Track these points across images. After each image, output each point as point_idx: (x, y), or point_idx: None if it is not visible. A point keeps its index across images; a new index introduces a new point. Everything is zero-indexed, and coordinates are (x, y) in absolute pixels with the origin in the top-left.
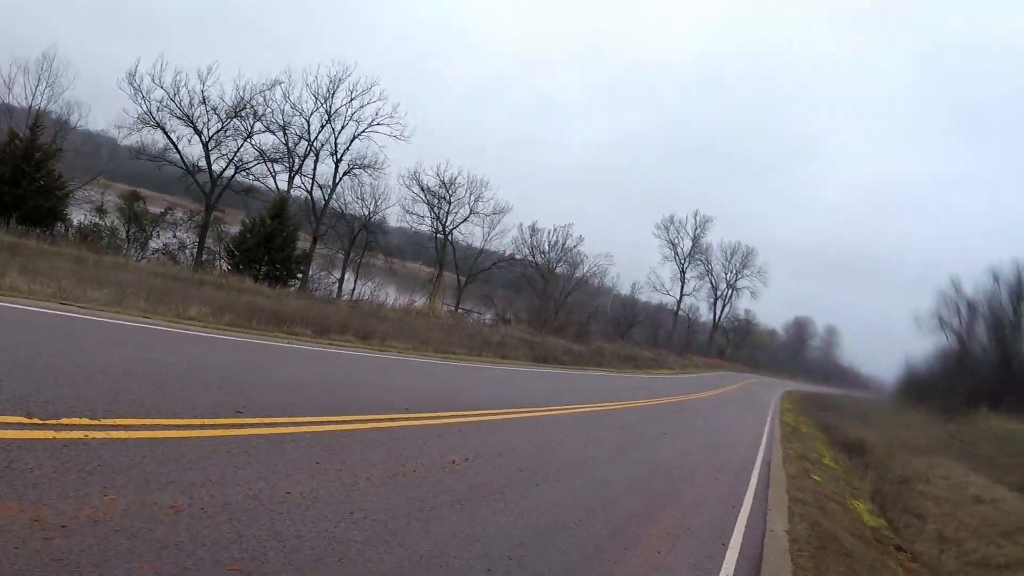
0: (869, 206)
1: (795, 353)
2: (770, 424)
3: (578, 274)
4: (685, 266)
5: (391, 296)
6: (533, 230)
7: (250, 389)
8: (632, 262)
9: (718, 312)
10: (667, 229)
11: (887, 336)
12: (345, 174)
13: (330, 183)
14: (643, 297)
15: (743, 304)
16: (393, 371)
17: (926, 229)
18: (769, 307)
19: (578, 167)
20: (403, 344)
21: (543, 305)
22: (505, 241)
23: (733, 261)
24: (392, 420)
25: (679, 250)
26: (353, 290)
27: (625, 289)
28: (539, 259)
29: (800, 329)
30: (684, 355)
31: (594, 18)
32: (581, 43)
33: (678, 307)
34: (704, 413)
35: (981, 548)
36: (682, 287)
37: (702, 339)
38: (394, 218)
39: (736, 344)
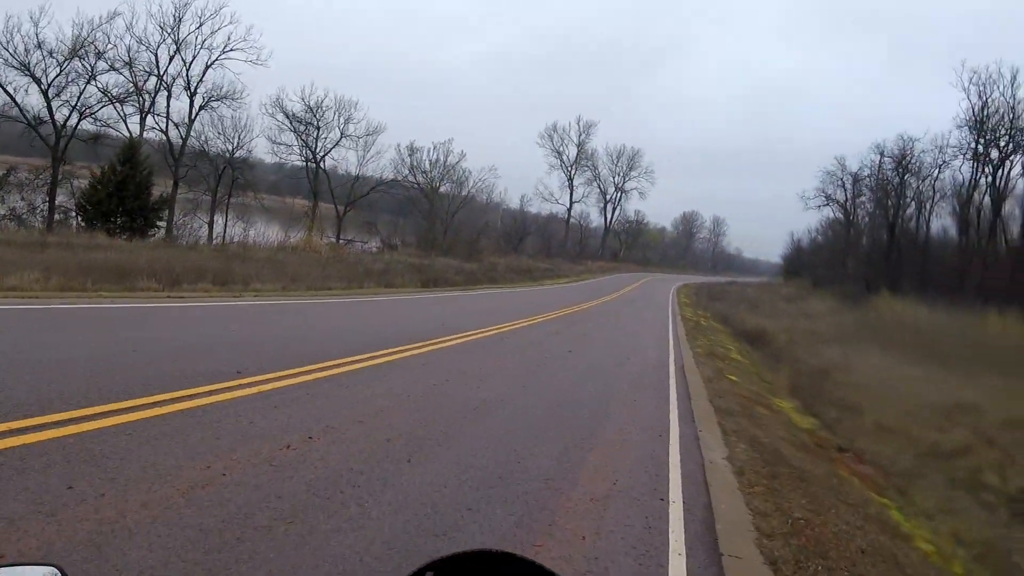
0: (754, 100)
1: (685, 248)
2: (672, 322)
3: (464, 192)
4: (572, 173)
5: (266, 235)
6: (412, 150)
7: None
8: (520, 175)
9: (609, 216)
10: (551, 138)
11: (776, 222)
12: (202, 108)
13: (187, 120)
14: (533, 209)
15: (632, 205)
16: (241, 320)
17: (812, 119)
18: (659, 205)
19: (458, 83)
20: (270, 286)
21: (430, 227)
22: (382, 164)
23: (619, 164)
24: (212, 394)
25: (565, 158)
26: (224, 233)
27: (514, 203)
28: (421, 179)
29: (688, 223)
30: (579, 261)
31: None
32: None
33: (568, 215)
34: (607, 320)
35: (927, 434)
36: (571, 194)
37: (595, 244)
38: (263, 151)
39: (629, 245)
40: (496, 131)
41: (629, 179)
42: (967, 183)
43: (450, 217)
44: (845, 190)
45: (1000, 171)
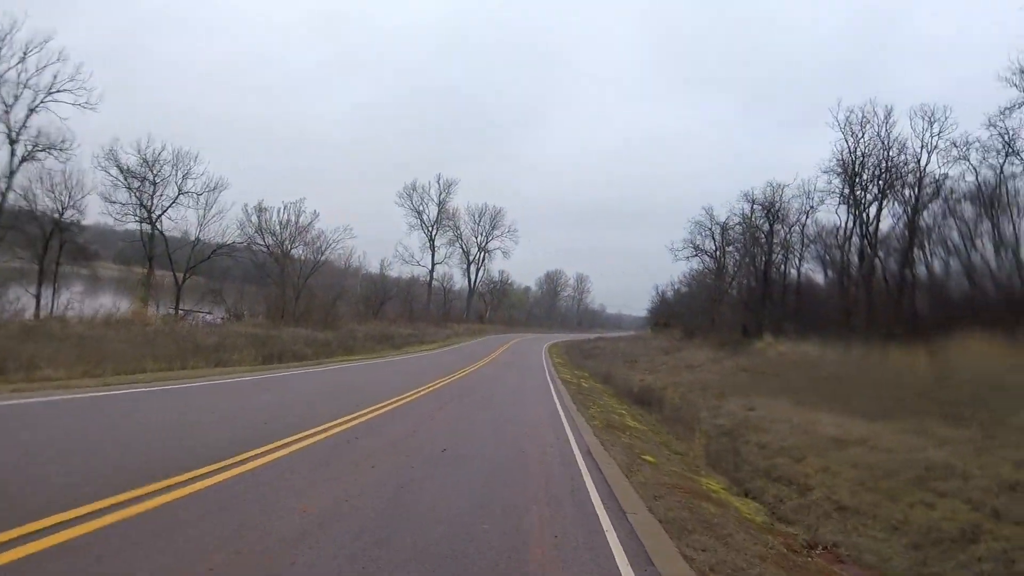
0: (618, 159)
1: (550, 306)
2: (554, 387)
3: (318, 256)
4: (434, 234)
5: (98, 307)
6: (260, 209)
7: None
8: (379, 238)
9: (473, 277)
10: (410, 197)
11: (640, 277)
12: (24, 160)
13: (7, 173)
14: (394, 272)
15: (497, 265)
16: None
17: (678, 173)
18: (523, 264)
19: (316, 142)
20: (64, 372)
21: (280, 294)
22: (226, 225)
23: (482, 223)
24: None
25: (425, 217)
26: (51, 306)
27: (375, 267)
28: (270, 242)
29: (552, 282)
30: (444, 325)
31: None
32: (320, 15)
33: (431, 277)
34: (484, 393)
35: (908, 512)
36: (432, 256)
37: (460, 306)
38: (95, 210)
39: (494, 307)
40: (355, 193)
41: (492, 238)
42: (843, 226)
43: (302, 282)
44: (714, 239)
45: (871, 211)
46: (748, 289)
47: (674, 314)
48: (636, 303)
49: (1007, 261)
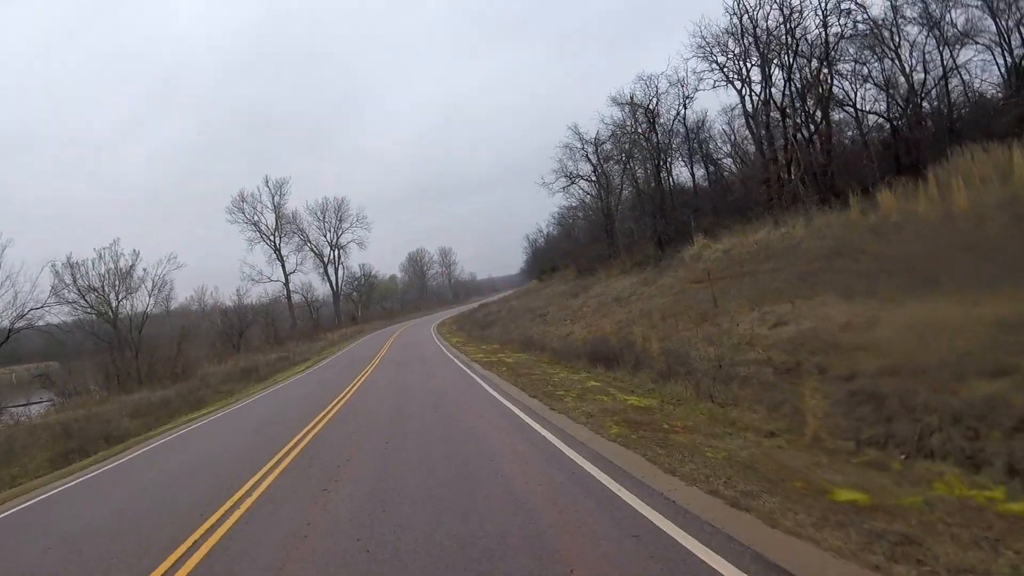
0: (445, 126)
1: (421, 288)
2: (482, 377)
3: (161, 300)
4: (277, 243)
5: None
6: (70, 264)
7: None
8: (230, 268)
9: (333, 278)
10: (242, 210)
11: (504, 235)
12: None
13: None
14: (252, 299)
15: (355, 260)
16: None
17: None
18: (382, 255)
19: (128, 187)
20: None
21: (113, 357)
22: (36, 294)
23: (327, 219)
24: None
25: (263, 227)
26: None
27: (230, 299)
28: (92, 299)
29: (416, 263)
30: (315, 337)
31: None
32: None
33: (287, 289)
34: (386, 421)
35: None
36: (283, 266)
37: (329, 313)
38: None
39: (364, 304)
40: (192, 234)
41: (343, 232)
42: (749, 100)
43: (137, 335)
44: (589, 159)
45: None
46: (649, 198)
47: (563, 254)
48: (505, 262)
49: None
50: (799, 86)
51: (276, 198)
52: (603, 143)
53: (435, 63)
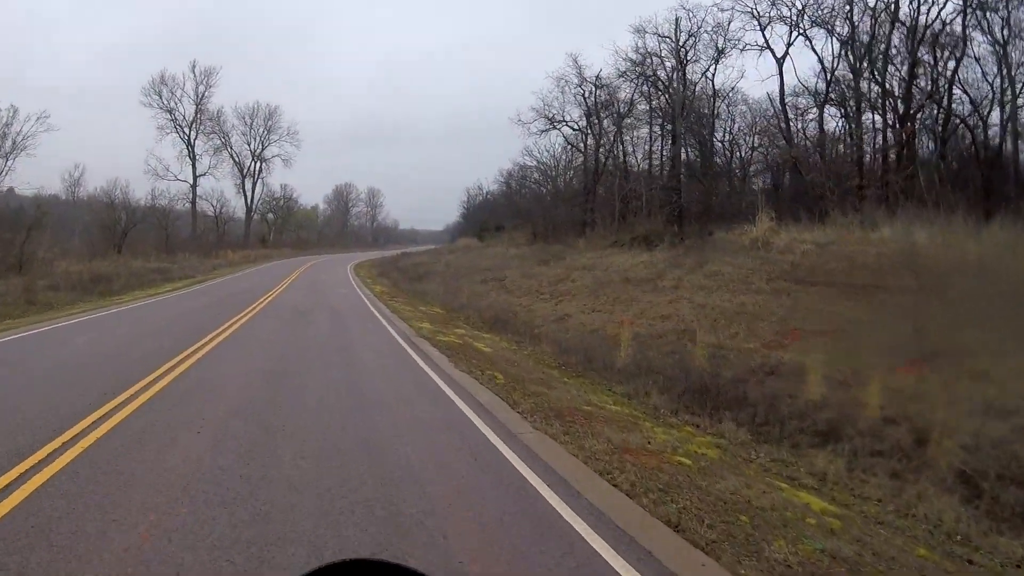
0: (387, 76)
1: (343, 225)
2: (457, 380)
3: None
4: (192, 138)
5: None
6: None
7: None
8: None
9: (249, 193)
10: (159, 94)
11: (435, 190)
12: None
13: None
14: (149, 195)
15: (277, 179)
16: None
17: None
18: (308, 186)
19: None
20: None
21: None
22: None
23: (254, 126)
24: None
25: (179, 116)
26: None
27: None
28: None
29: (342, 197)
30: (214, 254)
31: None
32: None
33: (194, 193)
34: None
35: None
36: (194, 165)
37: (237, 230)
38: None
39: (279, 228)
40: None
41: (269, 144)
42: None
43: None
44: (586, 102)
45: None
46: (680, 160)
47: (514, 214)
48: (431, 217)
49: None
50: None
51: (201, 88)
52: (604, 85)
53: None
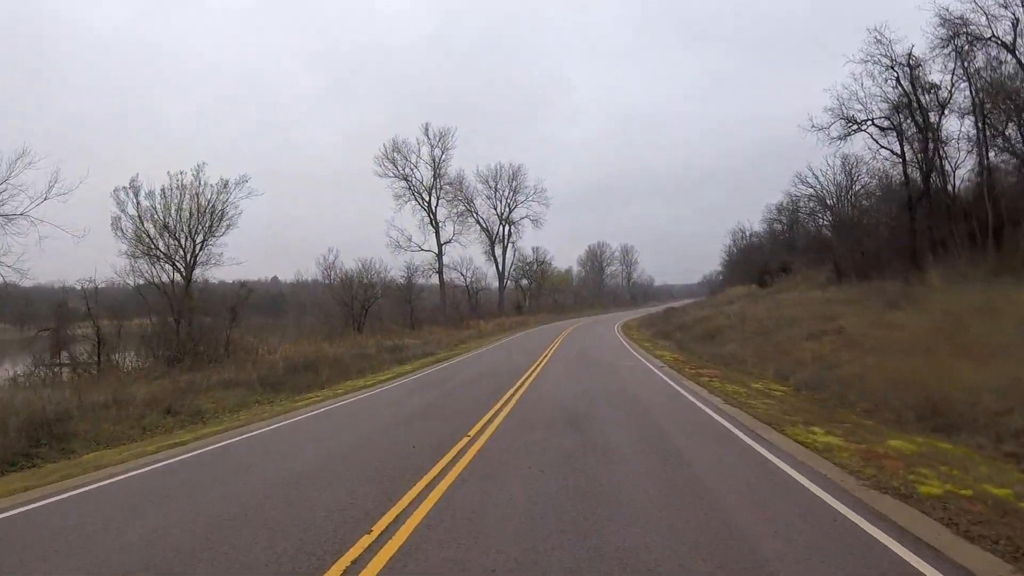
0: (624, 133)
1: (599, 284)
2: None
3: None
4: (432, 204)
5: None
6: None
7: None
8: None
9: (500, 258)
10: (393, 161)
11: (678, 245)
12: None
13: None
14: (392, 271)
15: (527, 241)
16: None
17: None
18: (556, 250)
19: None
20: None
21: (165, 323)
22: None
23: (499, 188)
24: None
25: (415, 182)
26: None
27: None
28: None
29: (595, 257)
30: (464, 324)
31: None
32: (310, 45)
33: (440, 262)
34: None
35: None
36: (437, 233)
37: (489, 298)
38: None
39: (534, 294)
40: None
41: (516, 206)
42: None
43: (190, 300)
44: (903, 89)
45: None
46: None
47: (808, 247)
48: (684, 269)
49: None
50: None
51: (436, 151)
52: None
53: (622, 63)
